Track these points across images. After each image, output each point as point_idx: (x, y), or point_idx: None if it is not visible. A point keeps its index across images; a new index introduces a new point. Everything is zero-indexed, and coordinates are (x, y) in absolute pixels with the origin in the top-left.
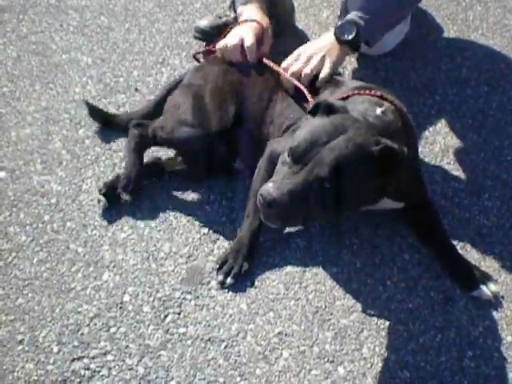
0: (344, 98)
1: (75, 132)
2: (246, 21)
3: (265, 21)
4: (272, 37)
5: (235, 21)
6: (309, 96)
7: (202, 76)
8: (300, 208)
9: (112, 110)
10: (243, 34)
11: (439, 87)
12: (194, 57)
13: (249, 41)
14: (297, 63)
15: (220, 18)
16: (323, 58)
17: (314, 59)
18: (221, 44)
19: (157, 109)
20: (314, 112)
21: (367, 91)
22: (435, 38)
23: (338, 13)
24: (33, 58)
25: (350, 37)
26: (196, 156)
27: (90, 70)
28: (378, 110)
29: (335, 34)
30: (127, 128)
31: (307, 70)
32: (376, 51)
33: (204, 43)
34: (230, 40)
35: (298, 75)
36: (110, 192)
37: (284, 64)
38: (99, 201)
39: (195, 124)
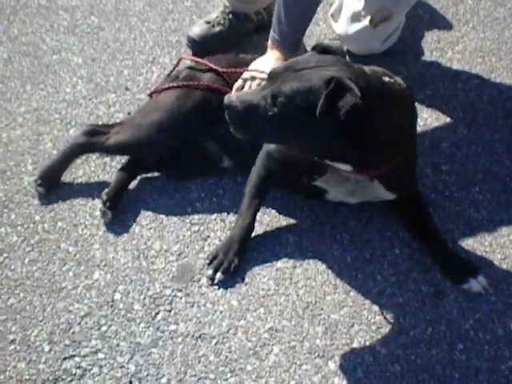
0: None
1: (66, 132)
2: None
3: None
4: None
5: (229, 31)
6: None
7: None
8: (253, 118)
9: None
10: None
11: (430, 82)
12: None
13: None
14: None
15: (213, 26)
16: None
17: None
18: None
19: None
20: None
21: None
22: (426, 33)
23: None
24: (23, 59)
25: None
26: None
27: (81, 70)
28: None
29: None
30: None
31: None
32: (365, 52)
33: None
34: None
35: None
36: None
37: None
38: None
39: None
